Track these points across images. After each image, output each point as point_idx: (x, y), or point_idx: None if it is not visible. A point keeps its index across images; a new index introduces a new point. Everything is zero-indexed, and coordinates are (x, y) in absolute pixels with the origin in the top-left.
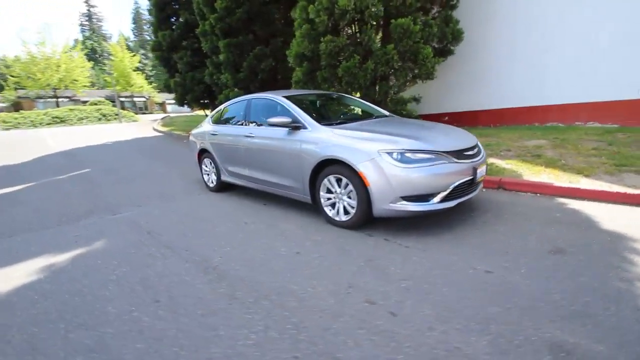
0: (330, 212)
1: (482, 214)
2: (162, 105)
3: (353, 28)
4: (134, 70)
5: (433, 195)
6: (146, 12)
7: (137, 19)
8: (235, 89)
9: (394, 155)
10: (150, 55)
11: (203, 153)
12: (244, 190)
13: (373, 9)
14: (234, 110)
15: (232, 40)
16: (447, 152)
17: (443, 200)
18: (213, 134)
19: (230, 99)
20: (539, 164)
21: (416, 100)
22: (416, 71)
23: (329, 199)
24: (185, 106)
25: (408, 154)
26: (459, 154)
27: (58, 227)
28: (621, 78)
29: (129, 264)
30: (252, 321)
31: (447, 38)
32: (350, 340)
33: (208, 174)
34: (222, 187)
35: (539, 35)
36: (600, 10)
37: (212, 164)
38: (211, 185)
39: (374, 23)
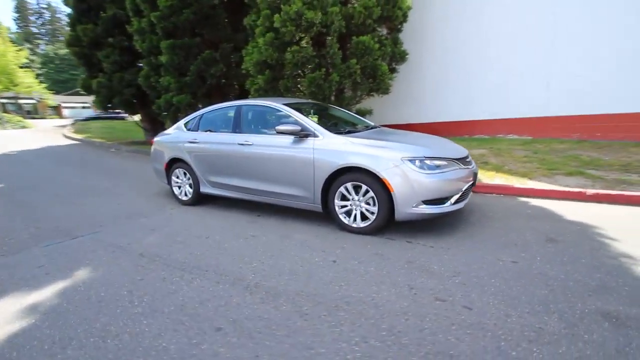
0: (345, 219)
1: (470, 214)
2: (57, 109)
3: (318, 41)
4: (20, 68)
5: (448, 198)
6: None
7: (21, 8)
8: (181, 95)
9: (416, 162)
10: (38, 50)
11: (174, 163)
12: (222, 202)
13: (336, 24)
14: (217, 117)
15: (177, 42)
16: (456, 159)
17: (455, 202)
18: (192, 143)
19: (173, 104)
20: (490, 169)
21: (369, 112)
22: (373, 86)
23: (343, 206)
24: (109, 110)
25: (427, 161)
26: (463, 161)
27: (3, 259)
28: (532, 98)
29: (146, 292)
30: (344, 334)
31: (395, 58)
32: (451, 337)
33: (180, 186)
34: (198, 200)
35: (466, 61)
36: (514, 43)
37: (187, 175)
38: (184, 198)
39: (335, 38)
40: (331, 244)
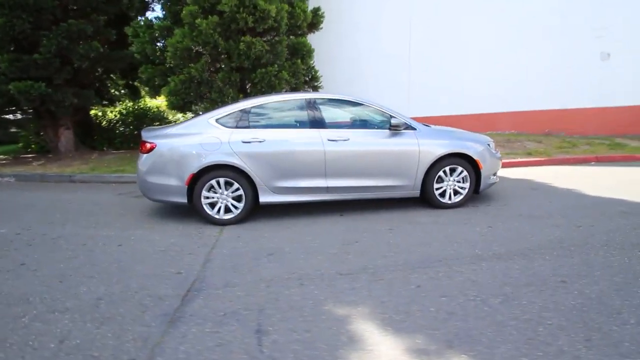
0: (442, 198)
1: None
2: None
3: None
4: None
5: (495, 172)
6: None
7: None
8: (25, 80)
9: (490, 146)
10: None
11: (206, 172)
12: (274, 211)
13: (286, 21)
14: (276, 110)
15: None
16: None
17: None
18: (250, 142)
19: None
20: None
21: None
22: (312, 88)
23: (438, 188)
24: None
25: (492, 146)
26: None
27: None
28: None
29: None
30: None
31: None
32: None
33: (216, 202)
34: (248, 215)
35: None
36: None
37: (234, 185)
38: (226, 216)
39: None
40: (449, 221)
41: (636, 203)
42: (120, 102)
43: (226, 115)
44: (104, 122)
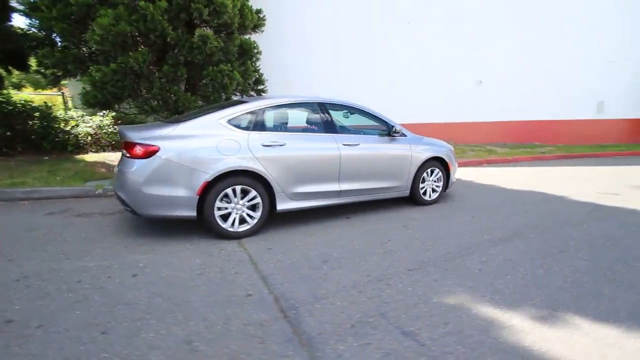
0: (424, 196)
1: None
2: None
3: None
4: None
5: (455, 173)
6: None
7: None
8: None
9: (452, 151)
10: None
11: (221, 180)
12: (277, 220)
13: (237, 20)
14: (289, 114)
15: None
16: None
17: None
18: (271, 146)
19: None
20: None
21: None
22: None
23: (422, 187)
24: None
25: (452, 150)
26: None
27: None
28: None
29: None
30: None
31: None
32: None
33: (229, 214)
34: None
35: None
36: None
37: (250, 193)
38: (241, 228)
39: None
40: (438, 215)
41: (547, 193)
42: None
43: (239, 115)
44: None
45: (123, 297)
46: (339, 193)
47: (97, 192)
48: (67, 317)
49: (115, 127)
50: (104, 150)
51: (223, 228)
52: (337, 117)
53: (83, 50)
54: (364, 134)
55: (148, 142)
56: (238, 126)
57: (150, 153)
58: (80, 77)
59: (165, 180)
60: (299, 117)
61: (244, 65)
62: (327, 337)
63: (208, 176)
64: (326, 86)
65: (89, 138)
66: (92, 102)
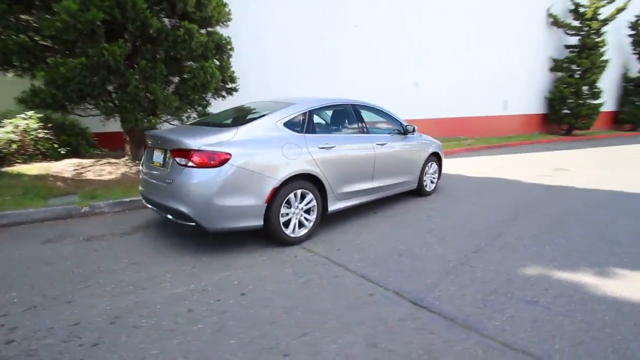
0: (427, 187)
1: None
2: None
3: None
4: None
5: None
6: None
7: None
8: None
9: (441, 146)
10: None
11: (286, 185)
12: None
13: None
14: (330, 115)
15: None
16: None
17: None
18: (325, 148)
19: None
20: None
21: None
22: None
23: (424, 180)
24: None
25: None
26: None
27: None
28: None
29: None
30: None
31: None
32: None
33: (289, 220)
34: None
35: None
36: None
37: (306, 197)
38: (300, 233)
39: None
40: (444, 203)
41: (506, 178)
42: None
43: (293, 118)
44: None
45: (259, 317)
46: (372, 190)
47: (82, 210)
48: (222, 349)
49: (44, 131)
50: (33, 160)
51: (287, 234)
52: (367, 118)
53: (36, 40)
54: (388, 133)
55: (216, 148)
56: (293, 129)
57: (222, 161)
58: (32, 72)
59: (237, 189)
60: (339, 119)
61: (221, 62)
62: (476, 317)
63: (276, 182)
64: (279, 83)
65: (13, 146)
66: (48, 103)
